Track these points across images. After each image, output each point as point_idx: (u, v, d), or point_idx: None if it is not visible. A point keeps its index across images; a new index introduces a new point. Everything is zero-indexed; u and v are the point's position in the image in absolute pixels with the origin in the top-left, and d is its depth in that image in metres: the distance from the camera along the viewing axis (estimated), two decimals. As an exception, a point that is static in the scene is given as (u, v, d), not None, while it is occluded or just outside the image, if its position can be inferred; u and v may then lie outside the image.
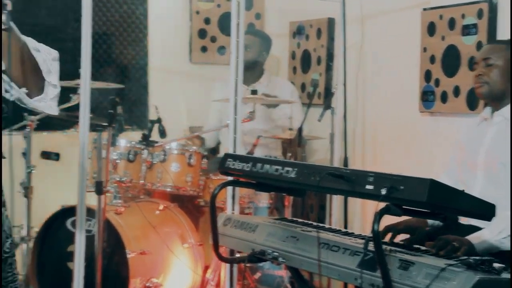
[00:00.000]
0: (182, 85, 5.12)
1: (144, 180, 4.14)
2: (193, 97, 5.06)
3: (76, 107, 3.42)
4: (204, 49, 5.21)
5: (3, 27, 2.02)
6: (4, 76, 2.14)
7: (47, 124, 4.27)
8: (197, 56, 5.20)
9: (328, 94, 4.54)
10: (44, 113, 2.36)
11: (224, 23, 5.07)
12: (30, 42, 2.18)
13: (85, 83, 3.25)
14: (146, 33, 5.01)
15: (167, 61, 5.11)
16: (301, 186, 2.46)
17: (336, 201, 4.14)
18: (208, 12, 5.18)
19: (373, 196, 2.08)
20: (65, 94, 3.79)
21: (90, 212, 3.55)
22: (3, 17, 2.01)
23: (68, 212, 3.83)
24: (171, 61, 5.13)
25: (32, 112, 2.42)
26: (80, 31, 3.25)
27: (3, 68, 2.13)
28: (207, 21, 5.18)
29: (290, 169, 2.40)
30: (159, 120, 4.24)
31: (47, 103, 2.22)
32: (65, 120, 4.03)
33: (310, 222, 2.82)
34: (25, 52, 2.13)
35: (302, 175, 2.34)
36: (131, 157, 4.12)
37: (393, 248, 2.25)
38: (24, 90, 2.16)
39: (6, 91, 2.17)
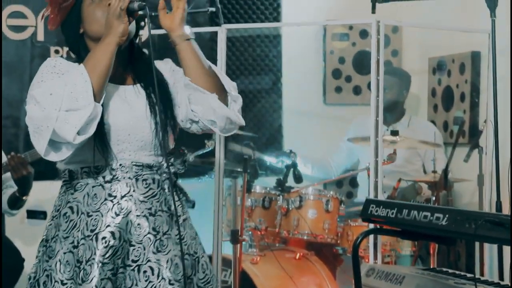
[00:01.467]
0: (316, 127, 4.99)
1: (279, 227, 4.02)
2: (328, 140, 4.91)
3: (211, 153, 3.37)
4: (338, 89, 5.07)
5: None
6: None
7: (182, 171, 4.27)
8: (332, 97, 5.07)
9: (475, 132, 4.28)
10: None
11: (360, 61, 4.93)
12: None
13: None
14: (280, 75, 4.95)
15: (301, 103, 5.01)
16: (454, 235, 2.28)
17: (488, 248, 3.83)
18: (343, 51, 5.05)
19: (541, 246, 1.87)
20: (200, 140, 3.76)
21: (226, 262, 3.49)
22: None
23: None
24: (305, 103, 5.03)
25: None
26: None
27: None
28: (341, 60, 5.05)
29: (440, 215, 2.23)
30: (294, 165, 4.13)
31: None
32: (199, 167, 4.02)
33: (462, 273, 2.61)
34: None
35: (455, 222, 2.17)
36: (266, 204, 4.04)
37: None
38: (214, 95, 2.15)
39: None
